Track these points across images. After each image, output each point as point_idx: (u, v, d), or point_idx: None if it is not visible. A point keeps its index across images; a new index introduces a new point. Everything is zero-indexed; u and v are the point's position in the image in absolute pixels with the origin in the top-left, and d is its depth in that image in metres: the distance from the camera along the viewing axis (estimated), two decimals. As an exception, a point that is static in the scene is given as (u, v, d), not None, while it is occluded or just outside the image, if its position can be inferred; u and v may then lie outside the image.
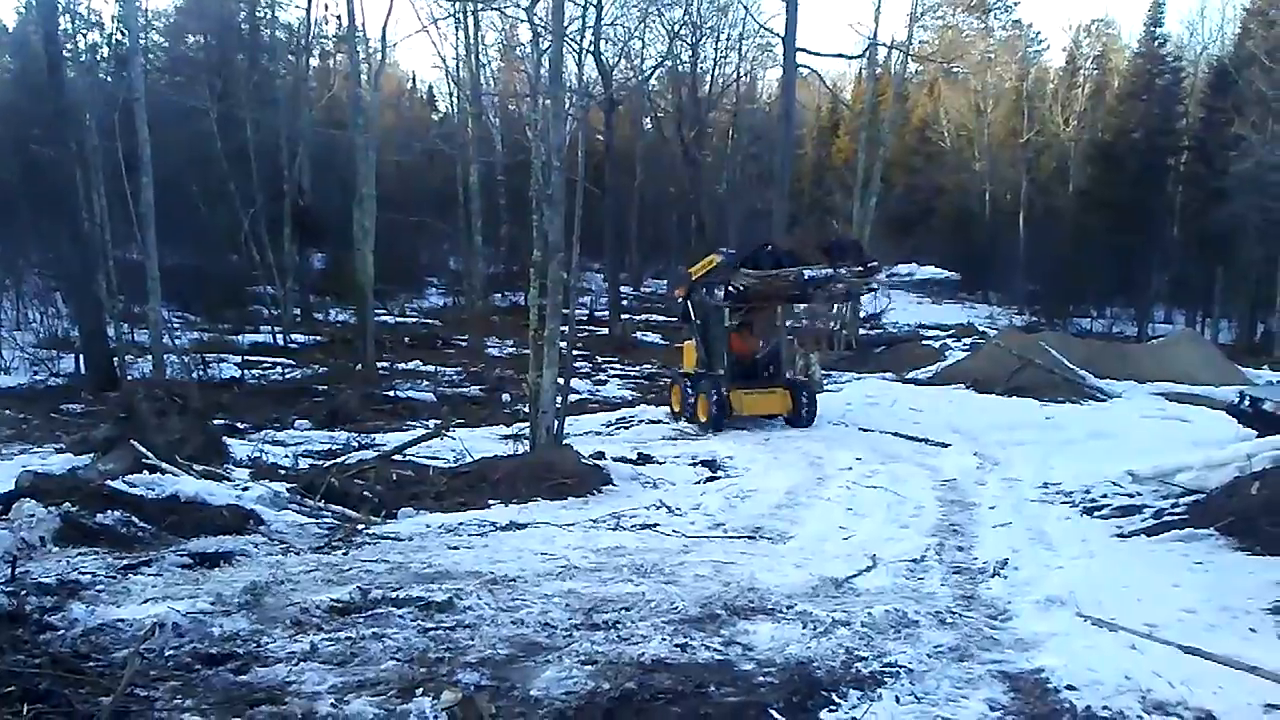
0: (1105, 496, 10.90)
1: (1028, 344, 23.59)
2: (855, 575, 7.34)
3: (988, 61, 49.90)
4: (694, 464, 13.41)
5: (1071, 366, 21.78)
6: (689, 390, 17.10)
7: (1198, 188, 41.80)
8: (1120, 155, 42.52)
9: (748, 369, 16.94)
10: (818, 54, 51.06)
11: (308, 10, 36.48)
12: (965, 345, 31.89)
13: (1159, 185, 42.06)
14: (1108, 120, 47.01)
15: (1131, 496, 10.79)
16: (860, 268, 16.00)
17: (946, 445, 14.65)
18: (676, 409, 17.73)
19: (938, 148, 54.67)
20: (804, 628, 5.90)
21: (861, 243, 19.35)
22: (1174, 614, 6.28)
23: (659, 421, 17.58)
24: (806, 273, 15.55)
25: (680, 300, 18.41)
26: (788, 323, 19.02)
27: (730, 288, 16.15)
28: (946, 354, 29.68)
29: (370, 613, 6.00)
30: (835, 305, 24.31)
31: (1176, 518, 9.49)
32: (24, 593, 6.02)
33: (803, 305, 22.99)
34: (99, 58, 30.90)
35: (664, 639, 5.62)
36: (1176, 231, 42.45)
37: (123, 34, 27.61)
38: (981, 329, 36.44)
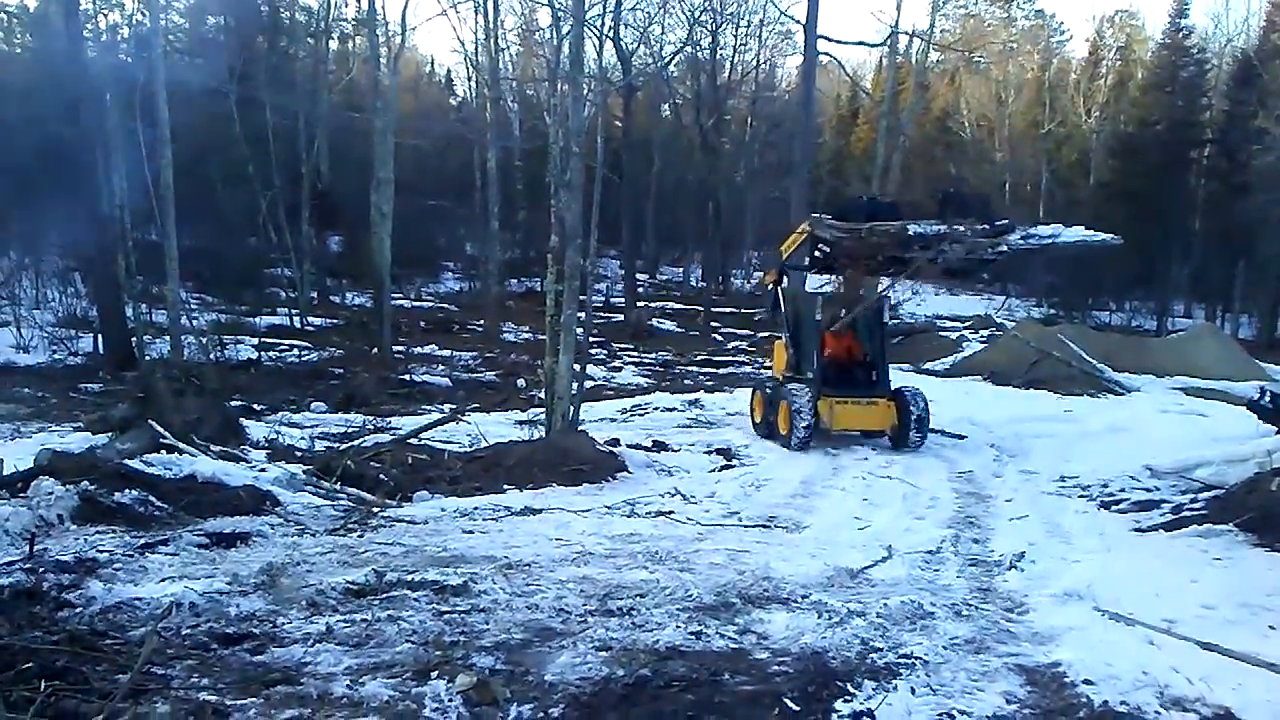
0: (1123, 491, 10.86)
1: (1046, 336, 23.45)
2: (871, 566, 7.31)
3: (1010, 51, 49.53)
4: (709, 452, 13.40)
5: (1090, 359, 21.64)
6: (771, 398, 14.22)
7: (1220, 181, 41.41)
8: (1142, 147, 42.09)
9: (844, 374, 14.13)
10: (839, 42, 50.95)
11: (328, -7, 36.48)
12: (982, 337, 31.71)
13: (1181, 178, 41.65)
14: (1130, 112, 46.57)
15: (1150, 491, 10.74)
16: (986, 226, 13.01)
17: (963, 437, 14.58)
18: (757, 419, 14.84)
19: (958, 138, 54.30)
20: (819, 617, 5.89)
21: (989, 199, 15.67)
22: (1192, 609, 6.24)
23: (674, 409, 17.54)
24: (911, 227, 12.90)
25: (770, 288, 15.74)
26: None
27: (815, 252, 14.04)
28: (964, 345, 29.54)
29: (386, 595, 6.02)
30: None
31: (1195, 513, 9.44)
32: (42, 570, 6.06)
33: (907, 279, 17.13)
34: (119, 38, 30.98)
35: (678, 626, 5.62)
36: (1198, 225, 42.04)
37: (143, 15, 27.63)
38: (999, 321, 36.22)
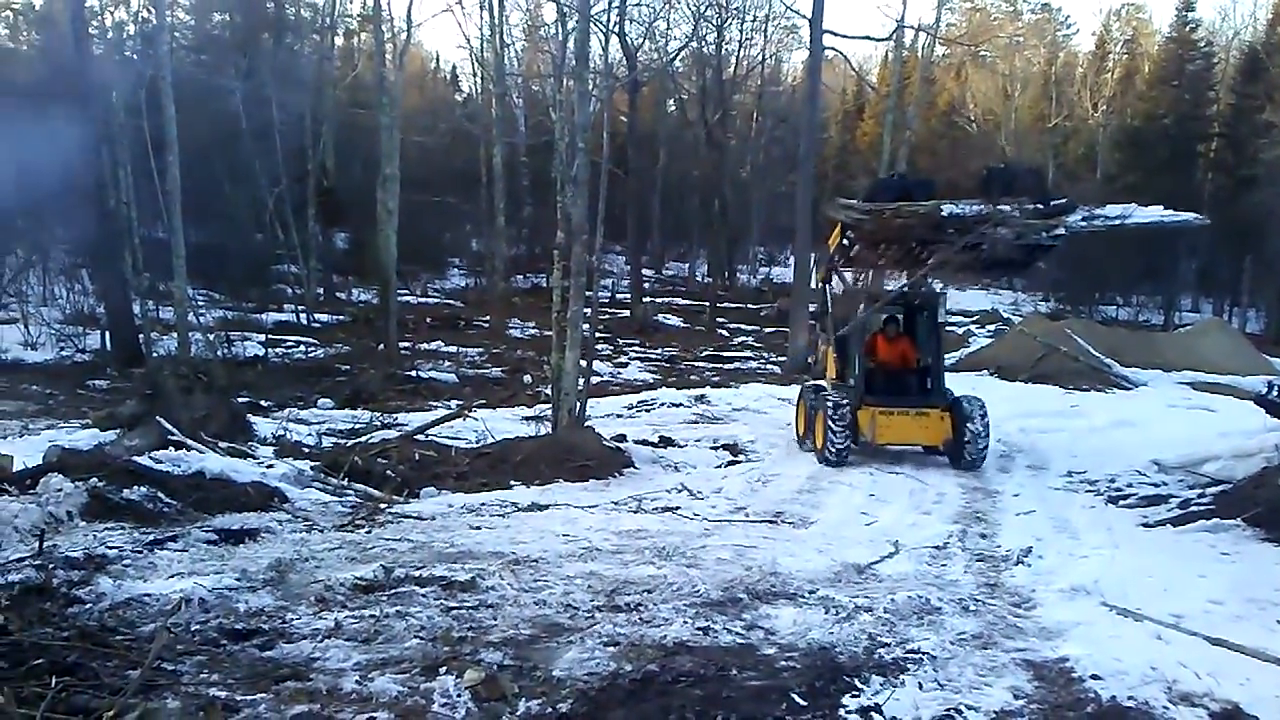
0: (1130, 486, 10.85)
1: (1053, 331, 23.41)
2: (878, 561, 7.32)
3: (1016, 45, 49.39)
4: (715, 448, 13.40)
5: (1097, 354, 21.61)
6: (813, 407, 12.64)
7: (1227, 175, 41.28)
8: (1149, 141, 41.99)
9: (893, 381, 12.59)
10: (844, 36, 50.86)
11: (333, -11, 36.49)
12: (989, 332, 31.69)
13: (1188, 172, 41.54)
14: (1137, 106, 46.44)
15: (1157, 486, 10.73)
16: (1038, 205, 11.34)
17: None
18: (800, 431, 13.46)
19: (964, 132, 54.19)
20: (826, 613, 5.90)
21: (1043, 172, 13.50)
22: (1200, 604, 6.23)
23: (680, 404, 17.54)
24: (946, 207, 11.39)
25: (821, 286, 14.57)
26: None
27: (842, 242, 12.85)
28: (970, 340, 29.52)
29: (394, 591, 6.04)
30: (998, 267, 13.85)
31: (1203, 508, 9.42)
32: (52, 567, 6.09)
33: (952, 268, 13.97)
34: (125, 35, 31.01)
35: (686, 622, 5.63)
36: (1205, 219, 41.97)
37: (149, 12, 27.57)
38: (1006, 315, 36.17)
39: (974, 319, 34.70)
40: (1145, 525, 9.16)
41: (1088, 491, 10.79)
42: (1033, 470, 12.10)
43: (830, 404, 11.78)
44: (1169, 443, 12.35)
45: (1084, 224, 11.28)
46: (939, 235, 11.66)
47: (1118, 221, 11.40)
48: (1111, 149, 46.88)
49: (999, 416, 13.50)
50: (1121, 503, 10.19)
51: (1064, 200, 11.71)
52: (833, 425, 11.61)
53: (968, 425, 11.68)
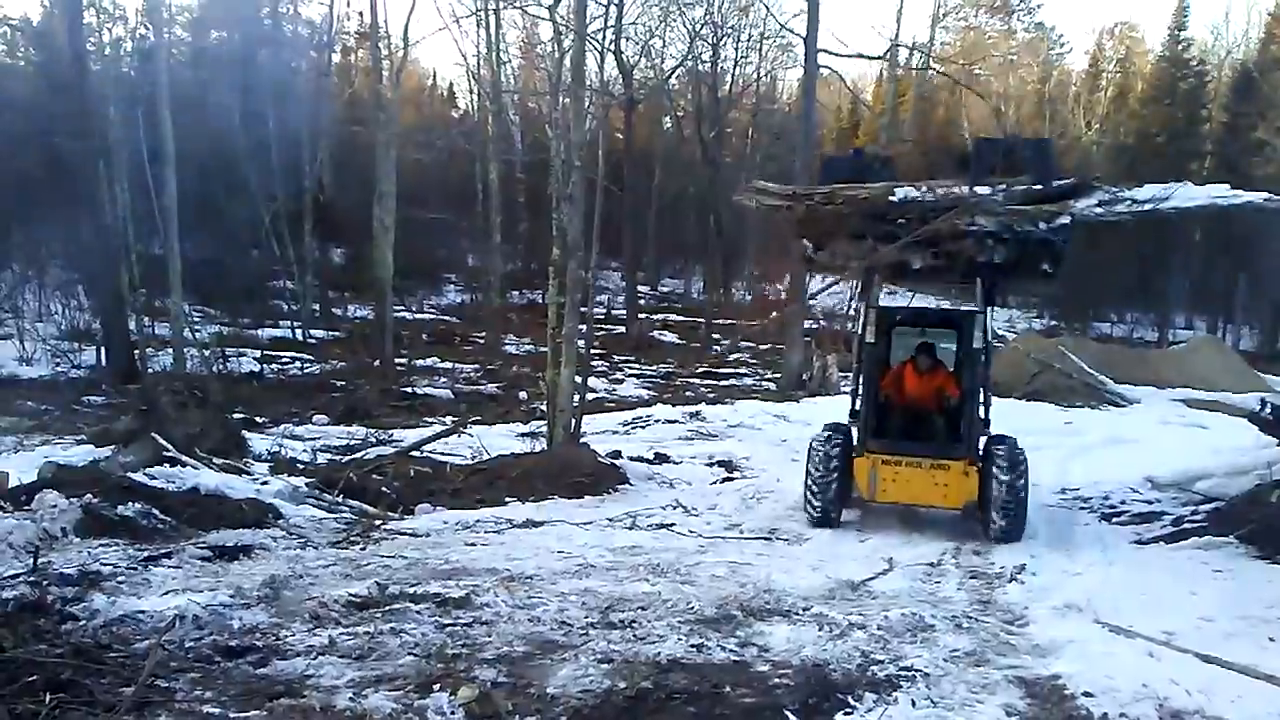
0: (1124, 503, 10.87)
1: (1046, 348, 23.47)
2: (871, 578, 7.34)
3: (1010, 63, 49.66)
4: (710, 464, 13.42)
5: (1091, 371, 21.67)
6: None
7: (1220, 193, 41.45)
8: (1143, 159, 42.21)
9: (911, 422, 9.86)
10: (839, 55, 51.02)
11: (330, 6, 36.67)
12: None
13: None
14: (1130, 124, 46.72)
15: (1151, 503, 10.76)
16: (1037, 186, 9.06)
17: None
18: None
19: (958, 149, 54.46)
20: (820, 630, 5.91)
21: (1050, 146, 10.24)
22: (1192, 622, 6.26)
23: (675, 421, 17.55)
24: (899, 191, 9.19)
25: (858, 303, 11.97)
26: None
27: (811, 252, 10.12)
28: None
29: (388, 608, 6.04)
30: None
31: (1196, 525, 9.46)
32: (46, 583, 6.08)
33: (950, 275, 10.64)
34: (123, 52, 31.14)
35: (680, 639, 5.64)
36: (1198, 236, 42.13)
37: (147, 28, 27.83)
38: (1000, 333, 36.26)
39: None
40: (1138, 542, 9.19)
41: (1081, 509, 10.83)
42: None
43: (817, 446, 9.43)
44: (1162, 460, 12.39)
45: (1101, 210, 8.90)
46: (885, 227, 9.29)
47: (1149, 207, 8.91)
48: (1105, 167, 47.07)
49: (992, 433, 12.50)
50: (1115, 520, 10.23)
51: (1072, 180, 9.30)
52: (815, 474, 9.34)
53: (996, 484, 8.84)
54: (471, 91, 45.03)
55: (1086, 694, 5.01)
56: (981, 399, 9.68)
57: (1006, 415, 17.57)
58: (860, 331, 10.07)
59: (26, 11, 43.91)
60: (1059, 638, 5.92)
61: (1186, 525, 9.56)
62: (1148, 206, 8.98)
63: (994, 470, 8.90)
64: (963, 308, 10.33)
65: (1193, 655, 5.53)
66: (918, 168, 11.34)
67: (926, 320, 10.80)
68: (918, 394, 9.96)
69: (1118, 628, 6.02)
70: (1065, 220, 8.88)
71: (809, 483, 9.41)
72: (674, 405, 19.68)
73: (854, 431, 9.77)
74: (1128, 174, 42.62)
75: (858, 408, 9.86)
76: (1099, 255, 39.51)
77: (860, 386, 9.96)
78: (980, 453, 9.30)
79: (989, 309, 9.57)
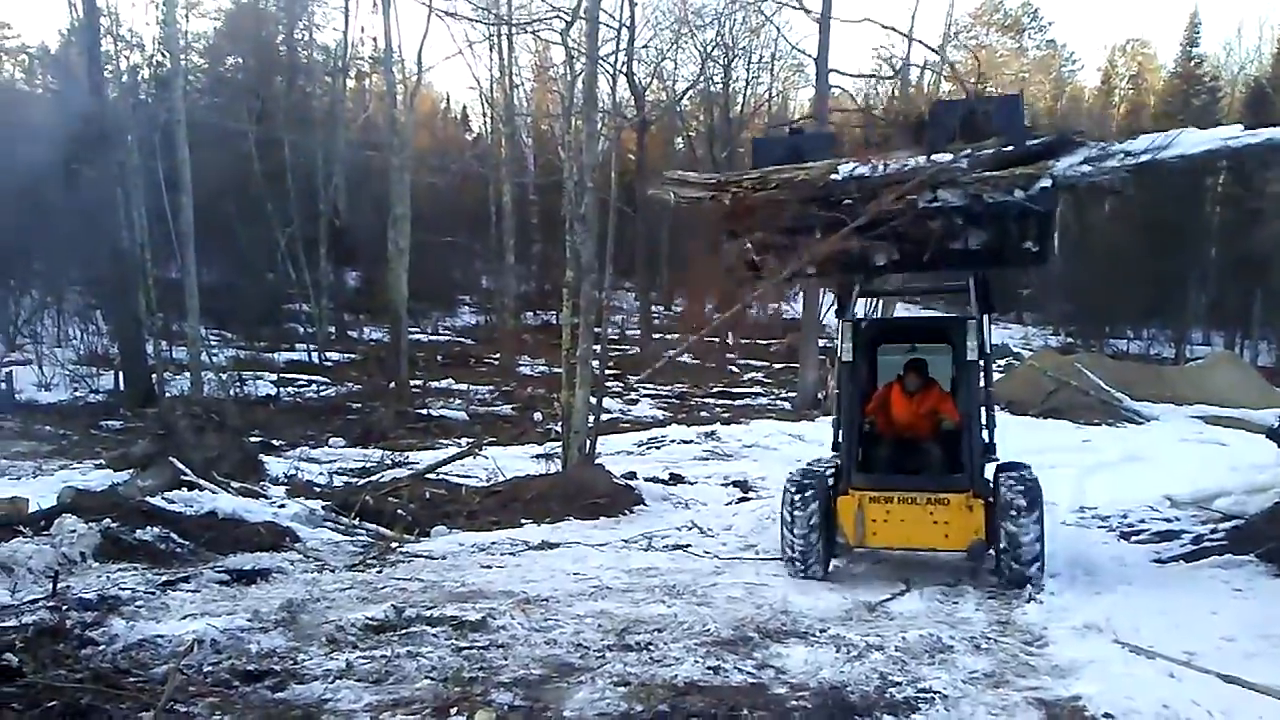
0: (1143, 521, 10.77)
1: (1063, 365, 23.39)
2: (889, 599, 7.30)
3: (1022, 81, 49.68)
4: (726, 484, 13.40)
5: (1107, 389, 21.57)
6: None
7: (1236, 208, 41.36)
8: (1156, 176, 42.15)
9: (902, 452, 8.44)
10: (850, 75, 51.06)
11: (345, 32, 36.94)
12: (999, 367, 31.61)
13: (1196, 206, 41.67)
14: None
15: (1169, 521, 10.65)
16: (1008, 148, 7.76)
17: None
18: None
19: (914, 116, 54.37)
20: (837, 651, 5.88)
21: (1019, 103, 8.63)
22: (1213, 642, 6.19)
23: (690, 441, 17.54)
24: (844, 168, 7.98)
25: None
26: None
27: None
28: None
29: (405, 631, 6.05)
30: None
31: (1216, 544, 9.35)
32: (66, 608, 6.13)
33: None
34: (140, 79, 31.45)
35: (697, 661, 5.62)
36: (1214, 253, 42.00)
37: (164, 56, 28.02)
38: (1015, 350, 36.13)
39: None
40: (1158, 561, 9.10)
41: (1099, 527, 10.73)
42: (1044, 506, 12.04)
43: (792, 486, 8.11)
44: (1181, 477, 12.27)
45: (1089, 169, 7.53)
46: (830, 214, 7.92)
47: (1147, 158, 7.59)
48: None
49: (1008, 453, 11.66)
50: (1134, 538, 10.13)
51: (1050, 137, 7.98)
52: (791, 520, 7.99)
53: (1007, 521, 7.61)
54: (485, 115, 45.35)
55: (1107, 715, 4.96)
56: (984, 420, 8.44)
57: (1023, 433, 17.64)
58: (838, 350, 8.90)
59: (45, 40, 44.47)
60: (1079, 658, 5.87)
61: (1206, 544, 9.46)
62: (1145, 158, 7.59)
63: (1003, 504, 7.66)
64: (953, 315, 9.40)
65: (1214, 675, 5.48)
66: (868, 145, 9.41)
67: (911, 332, 9.81)
68: (908, 419, 8.55)
69: (1138, 648, 5.97)
70: (1045, 183, 7.42)
71: (785, 531, 8.07)
72: (689, 425, 19.68)
73: (802, 467, 8.67)
74: (1140, 193, 42.56)
75: (840, 439, 8.56)
76: (1114, 271, 39.49)
77: (841, 413, 8.65)
78: (986, 483, 8.03)
79: (985, 315, 8.57)
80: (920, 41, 31.00)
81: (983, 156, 7.67)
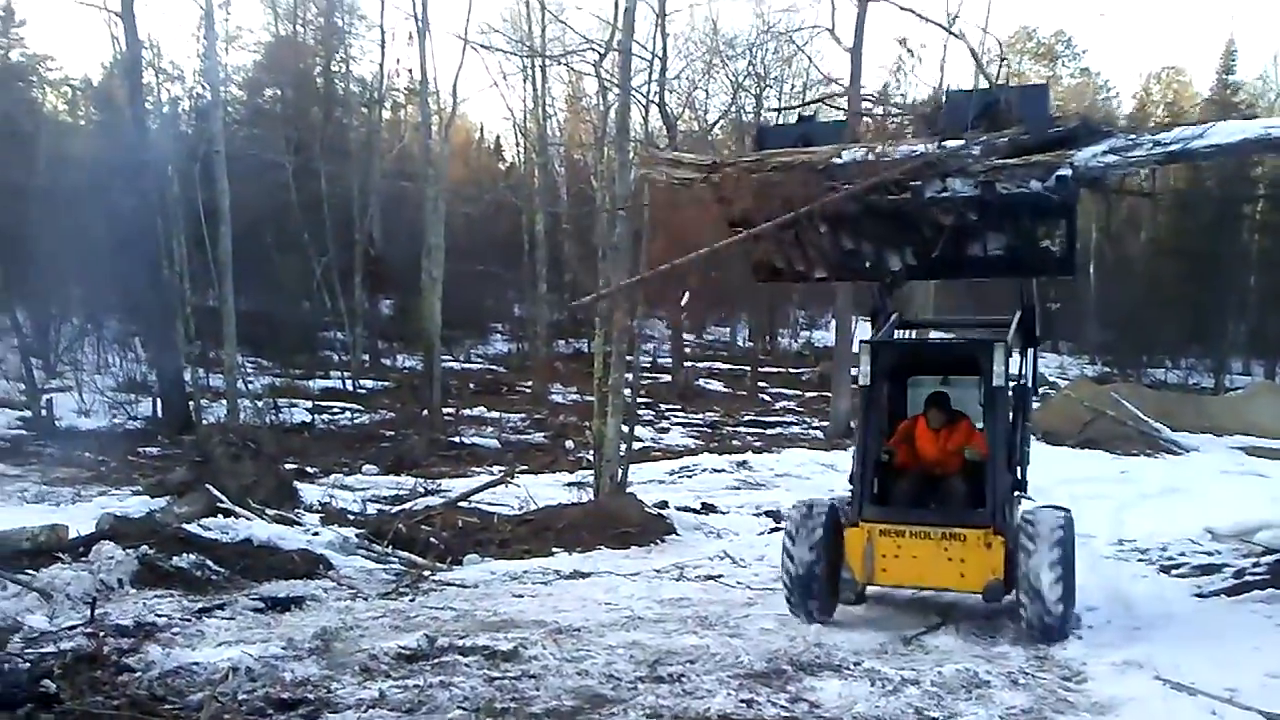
0: (1183, 554, 10.61)
1: (1100, 395, 23.14)
2: (924, 632, 7.23)
3: (1056, 109, 49.53)
4: (758, 514, 13.33)
5: (1145, 419, 21.31)
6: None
7: (1274, 236, 40.88)
8: (1194, 203, 41.74)
9: (920, 486, 7.94)
10: (883, 103, 51.05)
11: (381, 64, 37.36)
12: (1035, 396, 31.32)
13: (1235, 233, 41.24)
14: (1180, 169, 46.25)
15: (1210, 555, 10.49)
16: (1025, 136, 7.02)
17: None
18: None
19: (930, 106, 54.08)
20: (872, 685, 5.83)
21: (1046, 95, 8.21)
22: (1256, 678, 6.07)
23: (722, 470, 17.49)
24: (848, 154, 7.33)
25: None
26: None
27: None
28: (1015, 404, 29.16)
29: (437, 660, 6.07)
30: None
31: (1258, 577, 9.20)
32: (103, 635, 6.20)
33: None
34: (180, 110, 32.08)
35: (729, 694, 5.59)
36: (1254, 280, 41.49)
37: (204, 88, 28.60)
38: (1051, 379, 35.79)
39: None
40: (1199, 595, 8.95)
41: (1139, 560, 10.57)
42: (1081, 538, 11.75)
43: (795, 516, 7.62)
44: (1222, 509, 12.09)
45: (1114, 159, 6.91)
46: (831, 201, 7.15)
47: (1177, 148, 6.89)
48: (1155, 211, 46.63)
49: (1045, 483, 10.59)
50: (1174, 572, 9.97)
51: (1071, 125, 7.26)
52: (793, 553, 7.41)
53: (1027, 561, 6.91)
54: (518, 145, 45.65)
55: (1148, 754, 4.88)
56: (1016, 454, 8.03)
57: (1060, 464, 17.45)
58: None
59: (88, 72, 45.55)
60: (1119, 695, 5.78)
61: (1248, 578, 9.30)
62: (1175, 148, 6.88)
63: (1024, 543, 6.96)
64: (981, 339, 8.64)
65: (1257, 713, 5.38)
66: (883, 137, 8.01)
67: (937, 357, 9.18)
68: (933, 455, 8.01)
69: (1179, 685, 5.87)
70: (1065, 172, 6.69)
71: (785, 565, 7.50)
72: (721, 454, 19.62)
73: (807, 500, 8.01)
74: (1177, 221, 42.23)
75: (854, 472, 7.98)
76: (1151, 299, 39.10)
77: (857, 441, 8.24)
78: (1010, 520, 7.50)
79: (1031, 348, 8.36)
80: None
81: (998, 144, 7.04)
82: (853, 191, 7.05)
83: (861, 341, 8.53)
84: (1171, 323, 37.73)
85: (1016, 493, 8.03)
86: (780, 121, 10.50)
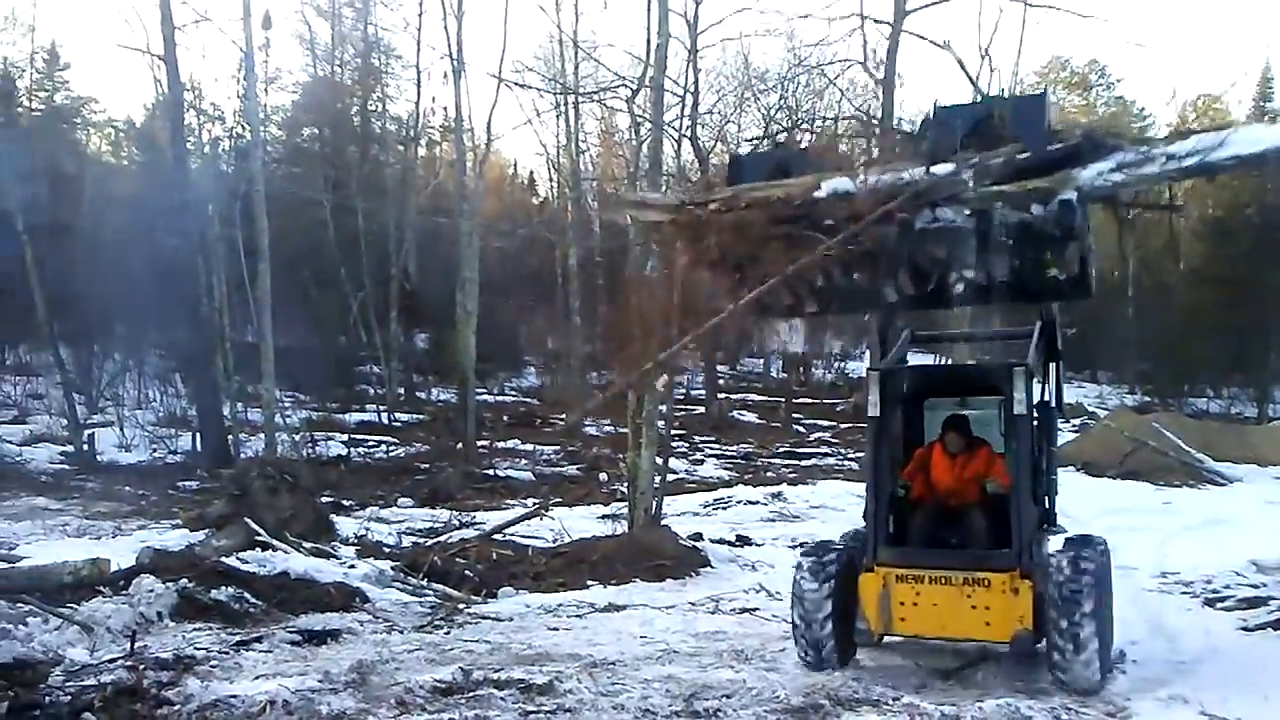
0: (1228, 587, 10.41)
1: (1140, 425, 22.83)
2: (964, 667, 7.12)
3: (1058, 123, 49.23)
4: (794, 546, 13.22)
5: (1187, 449, 20.98)
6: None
7: (1318, 263, 40.27)
8: (1233, 230, 41.28)
9: (940, 522, 7.28)
10: (913, 135, 51.04)
11: (416, 103, 37.93)
12: (1073, 426, 30.98)
13: (1275, 260, 40.67)
14: (1219, 195, 45.76)
15: (1256, 587, 10.28)
16: (1025, 154, 6.60)
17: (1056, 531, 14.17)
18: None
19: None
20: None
21: (1044, 104, 7.34)
22: (1306, 714, 5.95)
23: (756, 502, 17.40)
24: (828, 184, 6.78)
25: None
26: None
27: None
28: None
29: (472, 694, 6.07)
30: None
31: (1306, 611, 9.01)
32: (143, 667, 6.26)
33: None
34: (221, 150, 32.66)
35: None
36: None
37: (243, 128, 29.09)
38: (1090, 409, 35.37)
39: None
40: (1244, 629, 8.78)
41: (1183, 593, 10.39)
42: (1124, 570, 11.61)
43: (805, 560, 7.18)
44: (1267, 541, 11.86)
45: (1123, 177, 6.36)
46: (809, 237, 6.63)
47: (1193, 162, 6.27)
48: (1194, 240, 46.15)
49: (1085, 514, 10.67)
50: (1219, 605, 9.79)
51: (1072, 143, 6.65)
52: (802, 599, 6.95)
53: (1056, 611, 6.33)
54: (551, 180, 46.10)
55: (1195, 791, 4.78)
56: (1039, 483, 7.34)
57: (1100, 495, 17.20)
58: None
59: (130, 114, 46.61)
60: (1164, 731, 5.68)
61: (1296, 611, 9.12)
62: (1191, 162, 6.23)
63: (1053, 589, 6.35)
64: (1001, 362, 8.17)
65: (1309, 751, 5.26)
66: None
67: (953, 383, 8.38)
68: (951, 485, 7.36)
69: (1226, 720, 5.76)
70: (1069, 195, 6.17)
71: (794, 613, 7.04)
72: (755, 486, 19.53)
73: (821, 543, 7.60)
74: (1217, 247, 41.73)
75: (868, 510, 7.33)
76: (1192, 328, 38.62)
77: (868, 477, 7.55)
78: (1039, 561, 6.77)
79: (1053, 363, 7.65)
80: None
81: (992, 166, 6.44)
82: (828, 246, 6.48)
83: (869, 369, 8.00)
84: (1213, 351, 37.18)
85: (1046, 526, 7.44)
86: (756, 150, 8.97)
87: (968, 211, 6.42)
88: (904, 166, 6.87)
